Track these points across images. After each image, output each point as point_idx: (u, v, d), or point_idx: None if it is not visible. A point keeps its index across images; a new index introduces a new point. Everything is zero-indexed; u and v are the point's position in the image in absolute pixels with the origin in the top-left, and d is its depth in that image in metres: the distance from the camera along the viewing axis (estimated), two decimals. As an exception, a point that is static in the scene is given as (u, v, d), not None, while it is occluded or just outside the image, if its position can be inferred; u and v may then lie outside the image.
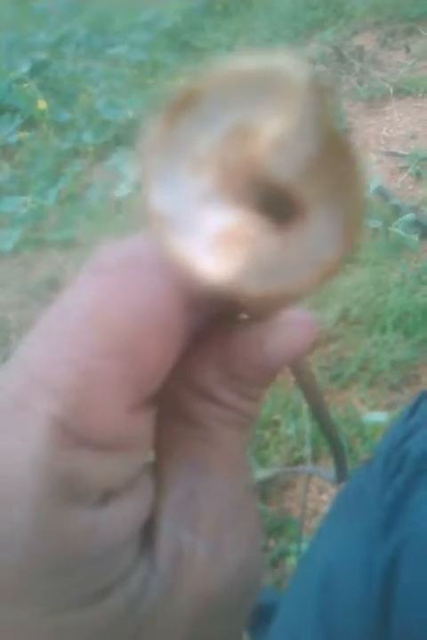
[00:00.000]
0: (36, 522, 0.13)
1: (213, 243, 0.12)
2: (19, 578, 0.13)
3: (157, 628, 0.15)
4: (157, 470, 0.17)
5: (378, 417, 0.91)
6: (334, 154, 0.12)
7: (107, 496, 0.14)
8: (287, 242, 0.13)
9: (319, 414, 0.25)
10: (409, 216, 1.24)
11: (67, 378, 0.13)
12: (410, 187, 1.41)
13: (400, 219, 1.23)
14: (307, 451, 0.85)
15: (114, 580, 0.14)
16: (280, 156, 0.12)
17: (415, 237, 1.21)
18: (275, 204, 0.13)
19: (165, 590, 0.15)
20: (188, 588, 0.16)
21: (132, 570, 0.15)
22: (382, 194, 1.34)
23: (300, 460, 0.91)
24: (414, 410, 0.44)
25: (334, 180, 0.12)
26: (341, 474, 0.34)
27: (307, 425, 0.90)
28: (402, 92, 1.70)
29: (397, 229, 1.20)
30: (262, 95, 0.12)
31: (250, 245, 0.12)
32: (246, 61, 0.12)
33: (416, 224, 1.25)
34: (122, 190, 1.38)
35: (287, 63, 0.12)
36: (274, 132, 0.12)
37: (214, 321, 0.16)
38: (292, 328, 0.16)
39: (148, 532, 0.16)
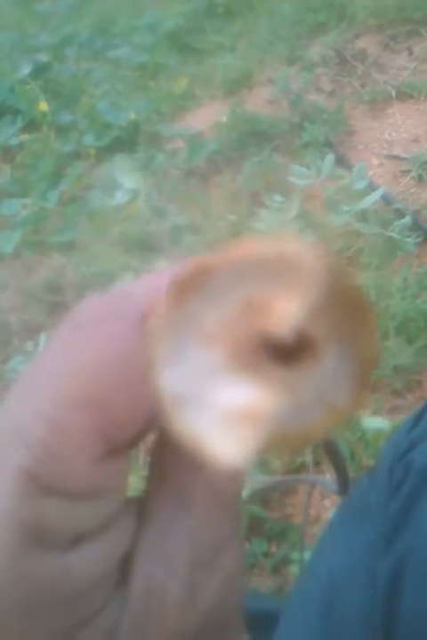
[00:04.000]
0: (6, 567, 0.14)
1: (226, 420, 0.12)
2: None
3: None
4: (143, 503, 0.17)
5: (379, 423, 0.91)
6: (345, 302, 0.12)
7: (78, 539, 0.15)
8: (299, 386, 0.13)
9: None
10: (407, 219, 1.23)
11: (37, 430, 0.14)
12: (412, 190, 1.40)
13: (397, 222, 1.23)
14: (308, 457, 0.84)
15: (87, 617, 0.15)
16: (292, 326, 0.12)
17: (410, 240, 1.20)
18: (284, 349, 0.13)
19: (136, 628, 0.15)
20: (159, 626, 0.16)
21: (106, 606, 0.15)
22: (385, 198, 1.34)
23: (302, 465, 0.90)
24: (418, 419, 0.44)
25: (346, 325, 0.13)
26: (342, 487, 0.34)
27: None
28: (405, 95, 1.69)
29: (393, 233, 1.20)
30: (274, 276, 0.12)
31: (263, 418, 0.13)
32: (258, 245, 0.12)
33: (418, 228, 1.25)
34: (119, 199, 1.38)
35: (300, 249, 0.12)
36: (286, 309, 0.12)
37: None
38: None
39: (125, 567, 0.16)
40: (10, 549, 0.14)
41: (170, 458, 0.17)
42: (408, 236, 1.20)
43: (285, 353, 0.13)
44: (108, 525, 0.15)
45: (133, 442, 0.16)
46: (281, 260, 0.12)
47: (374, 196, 1.22)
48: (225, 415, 0.13)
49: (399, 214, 1.28)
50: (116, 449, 0.15)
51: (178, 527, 0.16)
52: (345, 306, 0.12)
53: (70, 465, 0.14)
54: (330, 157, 1.26)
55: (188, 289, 0.13)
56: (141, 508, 0.17)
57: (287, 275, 0.12)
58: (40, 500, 0.14)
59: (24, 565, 0.14)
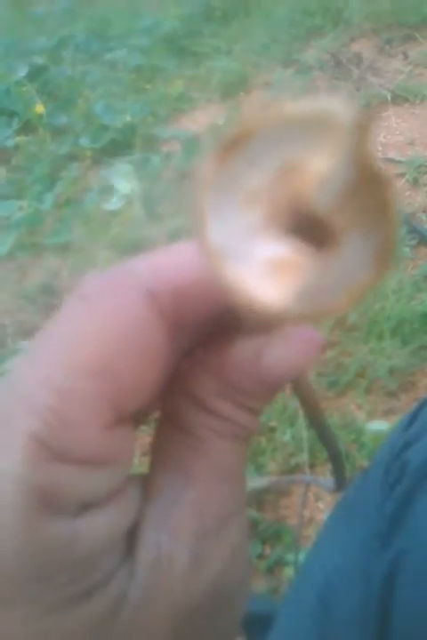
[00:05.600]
0: (17, 532, 0.14)
1: (267, 271, 0.13)
2: (4, 584, 0.14)
3: (136, 634, 0.16)
4: (148, 478, 0.17)
5: (379, 426, 0.91)
6: (368, 182, 0.13)
7: (86, 507, 0.15)
8: (325, 267, 0.14)
9: (318, 424, 0.25)
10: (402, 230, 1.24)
11: (46, 396, 0.14)
12: (407, 193, 1.41)
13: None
14: (304, 458, 0.84)
15: (95, 585, 0.15)
16: (324, 190, 0.13)
17: (406, 250, 1.21)
18: (314, 231, 0.14)
19: (144, 597, 0.16)
20: (166, 595, 0.16)
21: (114, 575, 0.15)
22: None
23: (296, 467, 0.90)
24: (413, 418, 0.44)
25: (368, 207, 0.13)
26: (339, 482, 0.34)
27: (304, 432, 0.90)
28: (400, 98, 1.70)
29: None
30: (310, 136, 0.13)
31: (299, 273, 0.13)
32: (296, 105, 0.13)
33: (412, 231, 1.25)
34: (114, 204, 1.37)
35: (335, 105, 0.13)
36: (319, 169, 0.13)
37: (214, 331, 0.16)
38: (293, 342, 0.16)
39: (132, 539, 0.16)
40: (20, 514, 0.14)
41: (172, 433, 0.17)
42: (405, 245, 1.21)
43: (315, 239, 0.14)
44: (115, 495, 0.16)
45: (144, 411, 0.16)
46: (320, 121, 0.13)
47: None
48: (265, 265, 0.13)
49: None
50: (125, 417, 0.15)
51: (183, 498, 0.16)
52: (369, 184, 0.13)
53: (80, 431, 0.14)
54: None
55: (231, 150, 0.13)
56: (147, 482, 0.17)
57: (325, 135, 0.13)
58: (50, 465, 0.14)
59: (33, 530, 0.14)
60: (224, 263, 0.13)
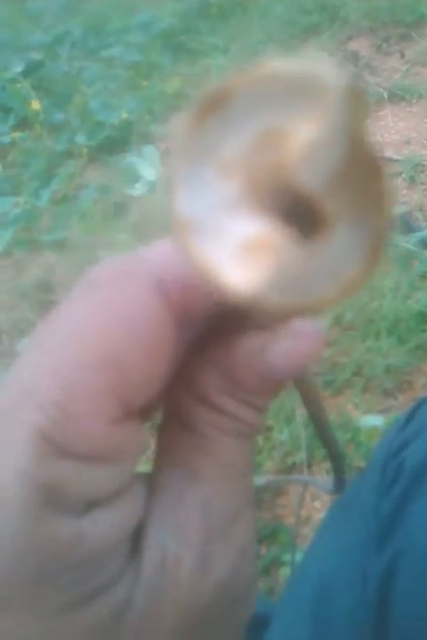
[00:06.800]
0: (21, 529, 0.13)
1: (239, 252, 0.12)
2: (5, 583, 0.13)
3: (141, 637, 0.15)
4: (152, 477, 0.17)
5: (374, 420, 0.91)
6: (361, 168, 0.12)
7: (92, 505, 0.15)
8: (310, 255, 0.12)
9: (320, 425, 0.24)
10: (425, 233, 1.24)
11: (51, 390, 0.14)
12: (404, 191, 1.41)
13: (413, 234, 1.24)
14: (302, 457, 0.84)
15: (99, 587, 0.15)
16: (309, 164, 0.12)
17: (425, 252, 1.21)
18: (300, 215, 0.12)
19: (150, 600, 0.15)
20: (172, 598, 0.15)
21: (119, 578, 0.15)
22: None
23: (293, 466, 0.90)
24: (410, 418, 0.44)
25: (361, 195, 0.12)
26: (338, 484, 0.34)
27: (301, 430, 0.90)
28: (396, 97, 1.70)
29: (408, 245, 1.21)
30: (296, 100, 0.12)
31: (275, 257, 0.12)
32: (282, 64, 0.12)
33: (410, 230, 1.26)
34: (138, 189, 1.36)
35: (324, 69, 0.12)
36: (305, 140, 0.12)
37: (218, 327, 0.16)
38: (296, 338, 0.16)
39: (137, 540, 0.16)
40: (25, 511, 0.13)
41: (177, 431, 0.16)
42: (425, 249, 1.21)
43: (302, 223, 0.12)
44: (121, 493, 0.15)
45: (149, 408, 0.16)
46: (305, 81, 0.12)
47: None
48: (237, 245, 0.12)
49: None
50: (132, 412, 0.15)
51: (189, 498, 0.16)
52: (362, 170, 0.12)
53: (86, 426, 0.14)
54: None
55: (208, 111, 0.12)
56: (152, 481, 0.17)
57: (310, 98, 0.12)
58: (55, 461, 0.14)
59: (39, 528, 0.14)
60: (194, 238, 0.12)
